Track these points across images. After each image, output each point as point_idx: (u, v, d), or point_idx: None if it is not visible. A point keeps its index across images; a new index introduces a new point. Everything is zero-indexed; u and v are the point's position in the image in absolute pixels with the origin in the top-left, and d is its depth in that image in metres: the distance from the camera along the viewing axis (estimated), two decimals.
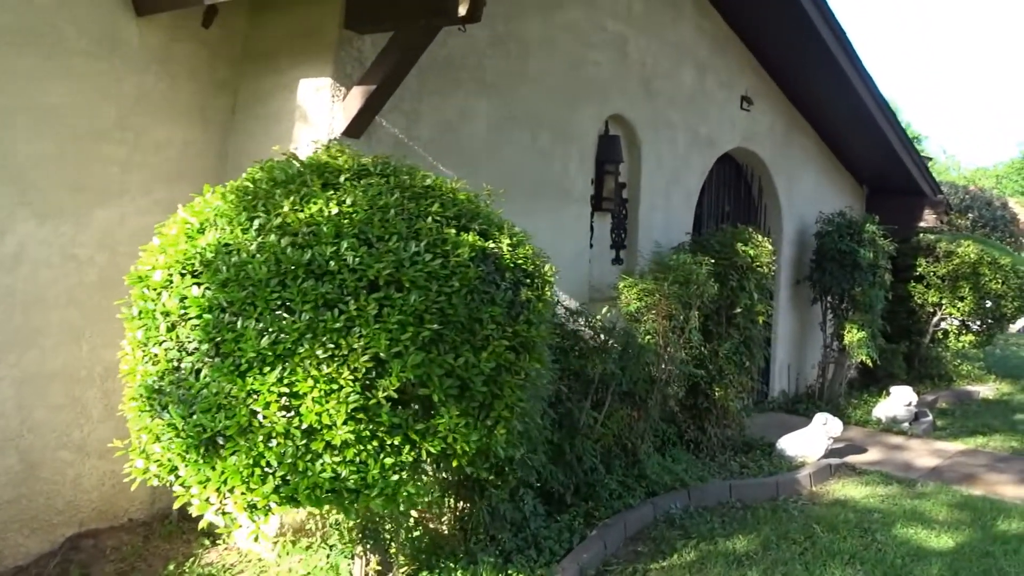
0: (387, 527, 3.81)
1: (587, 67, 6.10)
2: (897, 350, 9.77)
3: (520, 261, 3.40)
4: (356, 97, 4.38)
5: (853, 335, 8.43)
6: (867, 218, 8.77)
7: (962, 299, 9.66)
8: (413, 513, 4.56)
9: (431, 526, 4.51)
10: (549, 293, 3.51)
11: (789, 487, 5.93)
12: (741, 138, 7.99)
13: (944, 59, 70.90)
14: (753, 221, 8.70)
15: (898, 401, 8.01)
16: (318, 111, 4.48)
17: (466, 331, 3.09)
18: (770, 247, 6.65)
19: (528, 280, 3.44)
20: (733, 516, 5.27)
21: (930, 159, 13.86)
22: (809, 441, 6.59)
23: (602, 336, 5.21)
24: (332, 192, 3.12)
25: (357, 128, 4.47)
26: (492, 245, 3.30)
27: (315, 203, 3.04)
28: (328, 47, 4.46)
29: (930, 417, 8.34)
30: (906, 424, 7.99)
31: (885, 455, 7.05)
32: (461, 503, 4.51)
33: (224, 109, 4.95)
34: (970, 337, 10.16)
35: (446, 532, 4.46)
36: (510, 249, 3.39)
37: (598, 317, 5.94)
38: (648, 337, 5.73)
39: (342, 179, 3.25)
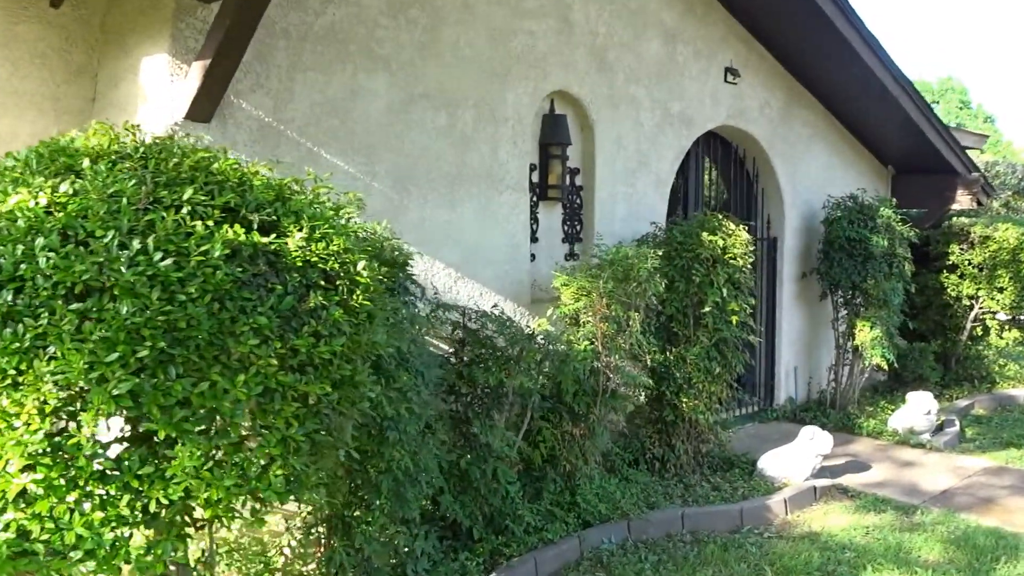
0: None
1: (519, 38, 5.39)
2: (927, 349, 8.72)
3: (315, 259, 2.74)
4: (196, 74, 3.79)
5: (865, 334, 7.46)
6: (882, 201, 7.78)
7: (1001, 290, 8.55)
8: (286, 552, 3.97)
9: (298, 567, 3.89)
10: (362, 298, 2.84)
11: (757, 515, 5.10)
12: (727, 115, 7.13)
13: None
14: (749, 208, 7.84)
15: (916, 409, 7.03)
16: (158, 93, 3.91)
17: (215, 348, 2.46)
18: (746, 236, 5.81)
19: (326, 282, 2.78)
20: (674, 553, 4.49)
21: (986, 136, 12.55)
22: (793, 459, 5.73)
23: (518, 345, 4.51)
24: (45, 180, 2.52)
25: (203, 110, 3.88)
26: (269, 240, 2.65)
27: (17, 193, 2.44)
28: (166, 19, 3.89)
29: (956, 427, 7.31)
30: (926, 435, 7.00)
31: (891, 474, 6.12)
32: (334, 541, 3.89)
33: (82, 97, 4.45)
34: (1015, 333, 9.01)
35: None
36: (303, 244, 2.73)
37: (539, 321, 5.26)
38: (586, 343, 4.99)
39: (85, 165, 2.65)
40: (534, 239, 5.76)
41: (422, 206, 4.89)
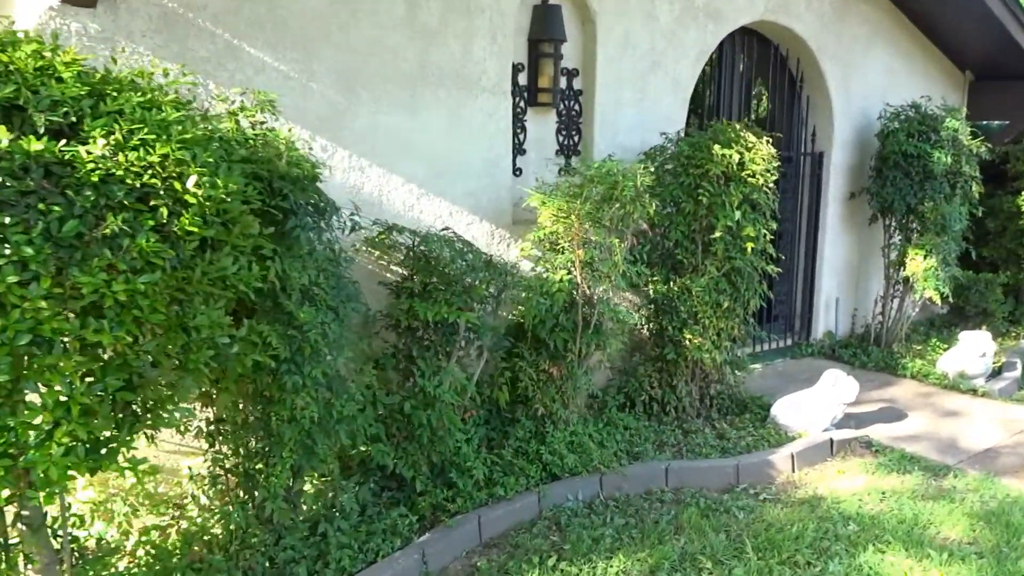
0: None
1: None
2: (994, 281, 7.71)
3: (121, 173, 2.16)
4: None
5: (917, 264, 6.55)
6: (949, 111, 6.69)
7: None
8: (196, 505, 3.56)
9: (206, 521, 3.47)
10: (191, 222, 2.26)
11: (756, 472, 4.46)
12: (765, 9, 6.13)
13: None
14: (792, 118, 6.88)
15: (969, 350, 6.16)
16: None
17: None
18: (768, 150, 4.94)
19: (139, 202, 2.20)
20: (646, 516, 3.91)
21: None
22: (812, 406, 5.02)
23: (468, 275, 3.89)
24: None
25: None
26: (58, 147, 2.07)
27: None
28: None
29: (1018, 371, 6.42)
30: (980, 380, 6.16)
31: (930, 425, 5.35)
32: (240, 494, 3.45)
33: None
34: None
35: (220, 533, 3.41)
36: (106, 153, 2.15)
37: (522, 246, 4.64)
38: (563, 272, 4.34)
39: None
40: (520, 151, 5.04)
41: (374, 112, 4.23)
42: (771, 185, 4.98)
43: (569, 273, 4.36)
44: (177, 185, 2.25)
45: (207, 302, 2.43)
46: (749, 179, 4.88)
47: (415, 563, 3.36)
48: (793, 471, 4.53)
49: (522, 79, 4.97)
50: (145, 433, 2.54)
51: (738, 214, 4.82)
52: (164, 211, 2.22)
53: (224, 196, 2.37)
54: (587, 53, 5.23)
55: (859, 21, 6.87)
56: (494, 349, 4.21)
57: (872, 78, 7.12)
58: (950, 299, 6.79)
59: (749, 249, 4.93)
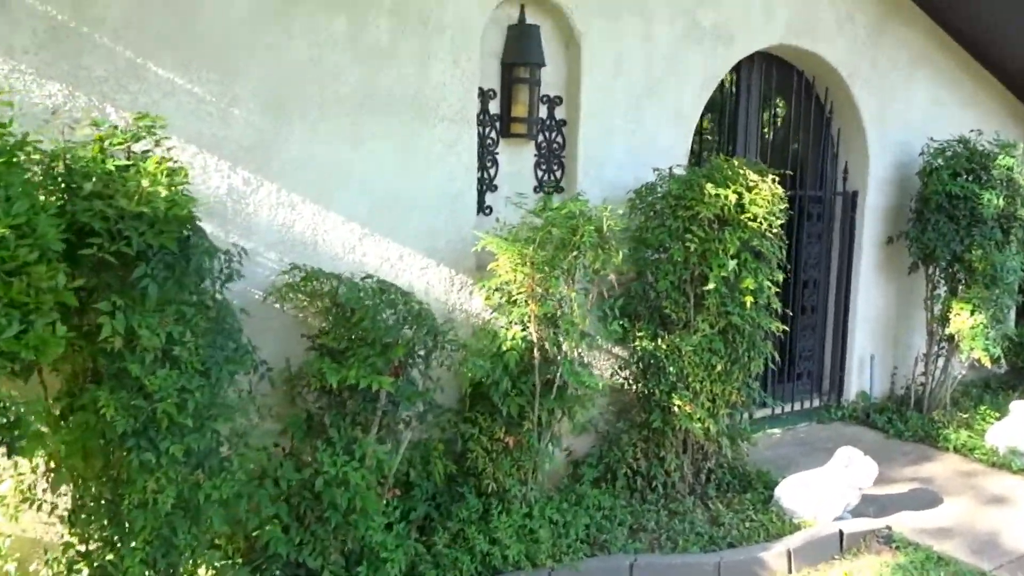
0: None
1: None
2: None
3: None
4: None
5: (963, 320, 5.73)
6: (1004, 146, 5.89)
7: None
8: None
9: None
10: None
11: (743, 572, 3.75)
12: (786, 32, 5.49)
13: None
14: (822, 154, 6.18)
15: (1023, 422, 5.32)
16: None
17: None
18: (774, 189, 4.28)
19: None
20: None
21: None
22: (821, 489, 4.29)
23: (389, 332, 3.33)
24: None
25: None
26: None
27: None
28: None
29: None
30: None
31: (968, 514, 4.54)
32: None
33: None
34: None
35: None
36: None
37: (485, 295, 4.08)
38: (516, 329, 3.76)
39: None
40: (490, 187, 4.50)
41: (310, 140, 3.75)
42: (776, 230, 4.31)
43: (524, 329, 3.77)
44: None
45: None
46: (749, 223, 4.22)
47: None
48: (789, 572, 3.81)
49: (493, 107, 4.44)
50: None
51: (733, 263, 4.17)
52: None
53: None
54: (571, 79, 4.68)
55: (897, 46, 6.16)
56: (423, 418, 3.63)
57: (914, 108, 6.38)
58: (1002, 360, 5.94)
59: (748, 304, 4.27)
